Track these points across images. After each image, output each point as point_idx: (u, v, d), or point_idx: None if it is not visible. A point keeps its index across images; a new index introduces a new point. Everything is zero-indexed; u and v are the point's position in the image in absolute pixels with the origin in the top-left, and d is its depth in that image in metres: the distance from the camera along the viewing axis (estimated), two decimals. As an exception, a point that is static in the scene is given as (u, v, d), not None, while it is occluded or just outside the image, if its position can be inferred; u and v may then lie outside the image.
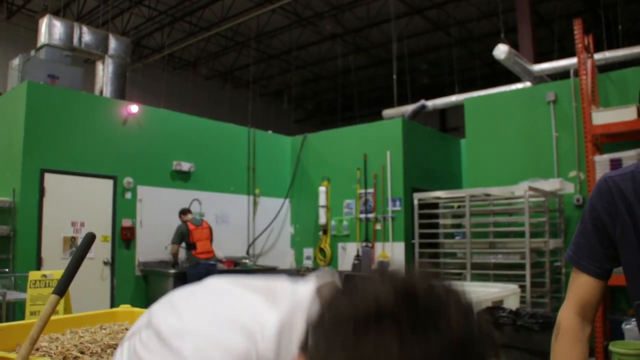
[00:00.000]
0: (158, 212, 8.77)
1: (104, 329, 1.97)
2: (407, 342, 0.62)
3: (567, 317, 1.39)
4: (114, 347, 1.65)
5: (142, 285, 8.53)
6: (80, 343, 1.66)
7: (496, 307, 4.68)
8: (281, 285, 0.93)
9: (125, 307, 2.70)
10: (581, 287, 1.40)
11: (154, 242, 8.70)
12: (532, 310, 5.54)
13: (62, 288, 1.54)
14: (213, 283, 0.97)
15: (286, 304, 0.85)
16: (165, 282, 8.18)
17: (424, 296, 0.65)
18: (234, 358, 0.78)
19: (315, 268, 10.11)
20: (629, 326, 6.10)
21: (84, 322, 2.20)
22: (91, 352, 1.60)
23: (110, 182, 8.29)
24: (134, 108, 8.62)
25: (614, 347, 5.89)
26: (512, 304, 5.31)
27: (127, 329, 1.89)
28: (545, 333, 4.16)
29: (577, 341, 1.36)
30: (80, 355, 1.57)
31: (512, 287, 5.62)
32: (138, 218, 8.55)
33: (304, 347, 0.76)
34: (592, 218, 1.39)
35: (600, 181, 1.40)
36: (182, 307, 0.88)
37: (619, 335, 6.25)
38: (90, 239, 1.60)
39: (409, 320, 0.63)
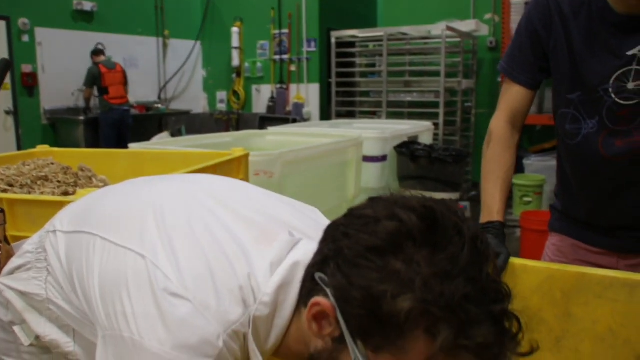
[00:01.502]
0: (61, 56, 8.18)
1: (27, 165, 1.88)
2: (433, 257, 0.68)
3: (499, 125, 1.45)
4: (44, 179, 1.59)
5: (51, 134, 8.17)
6: (7, 177, 1.58)
7: (412, 141, 4.86)
8: (275, 223, 0.90)
9: (43, 147, 2.60)
10: (513, 97, 1.45)
11: (59, 89, 8.20)
12: (446, 145, 5.82)
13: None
14: (205, 202, 0.92)
15: (281, 250, 0.84)
16: (75, 130, 7.88)
17: (440, 216, 0.71)
18: (230, 328, 0.78)
19: (229, 112, 10.01)
20: (529, 162, 6.58)
21: (2, 163, 2.09)
22: (20, 184, 1.53)
23: (2, 24, 7.59)
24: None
25: (517, 179, 6.38)
26: (425, 140, 5.53)
27: (52, 164, 1.82)
28: (458, 165, 4.40)
29: (507, 147, 1.43)
30: (10, 187, 1.50)
31: (426, 124, 5.82)
32: (39, 63, 7.98)
33: (312, 293, 0.78)
34: (528, 30, 1.41)
35: None
36: (179, 249, 0.82)
37: (521, 171, 6.75)
38: (5, 64, 1.47)
39: (431, 238, 0.70)
